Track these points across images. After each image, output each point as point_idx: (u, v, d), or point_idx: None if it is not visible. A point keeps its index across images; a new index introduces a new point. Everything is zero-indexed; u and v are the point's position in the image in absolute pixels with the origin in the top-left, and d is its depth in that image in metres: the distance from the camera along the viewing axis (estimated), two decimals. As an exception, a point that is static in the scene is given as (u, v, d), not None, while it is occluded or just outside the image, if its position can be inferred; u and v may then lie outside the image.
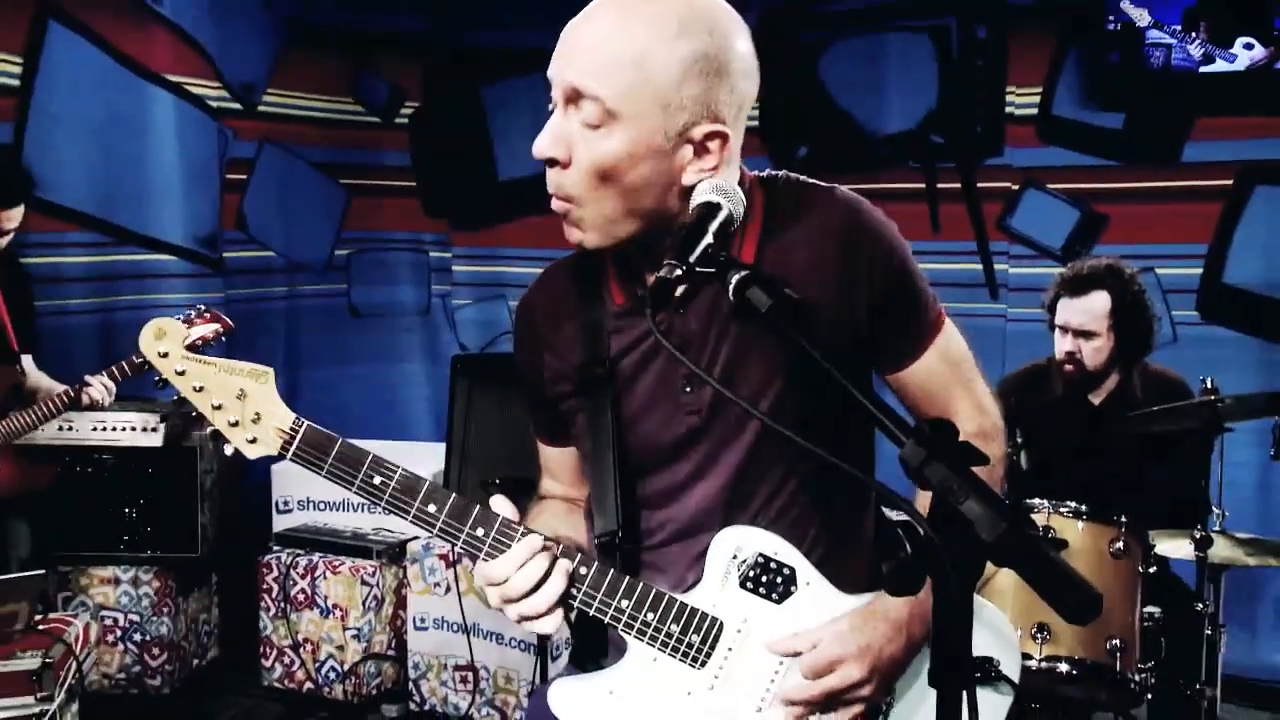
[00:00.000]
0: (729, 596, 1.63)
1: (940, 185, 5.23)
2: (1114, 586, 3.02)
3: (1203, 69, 4.65)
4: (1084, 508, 3.11)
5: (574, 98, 1.51)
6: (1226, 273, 4.79)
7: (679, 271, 1.42)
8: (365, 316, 6.13)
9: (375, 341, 6.11)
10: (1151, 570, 3.14)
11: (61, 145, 4.60)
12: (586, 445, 1.72)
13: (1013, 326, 5.03)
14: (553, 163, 1.55)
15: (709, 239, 1.44)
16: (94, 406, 3.76)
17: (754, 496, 1.66)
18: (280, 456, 1.60)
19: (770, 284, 1.40)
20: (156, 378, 1.62)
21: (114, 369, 3.75)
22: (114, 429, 4.30)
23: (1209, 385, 3.33)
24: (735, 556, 1.63)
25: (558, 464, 1.88)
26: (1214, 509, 3.39)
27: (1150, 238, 4.84)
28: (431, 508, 1.61)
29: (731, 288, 1.41)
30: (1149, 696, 3.14)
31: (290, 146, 5.69)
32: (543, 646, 3.66)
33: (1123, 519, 3.09)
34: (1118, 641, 2.99)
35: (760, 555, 1.63)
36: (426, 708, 4.32)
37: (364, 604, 4.36)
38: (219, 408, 1.59)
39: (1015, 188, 5.12)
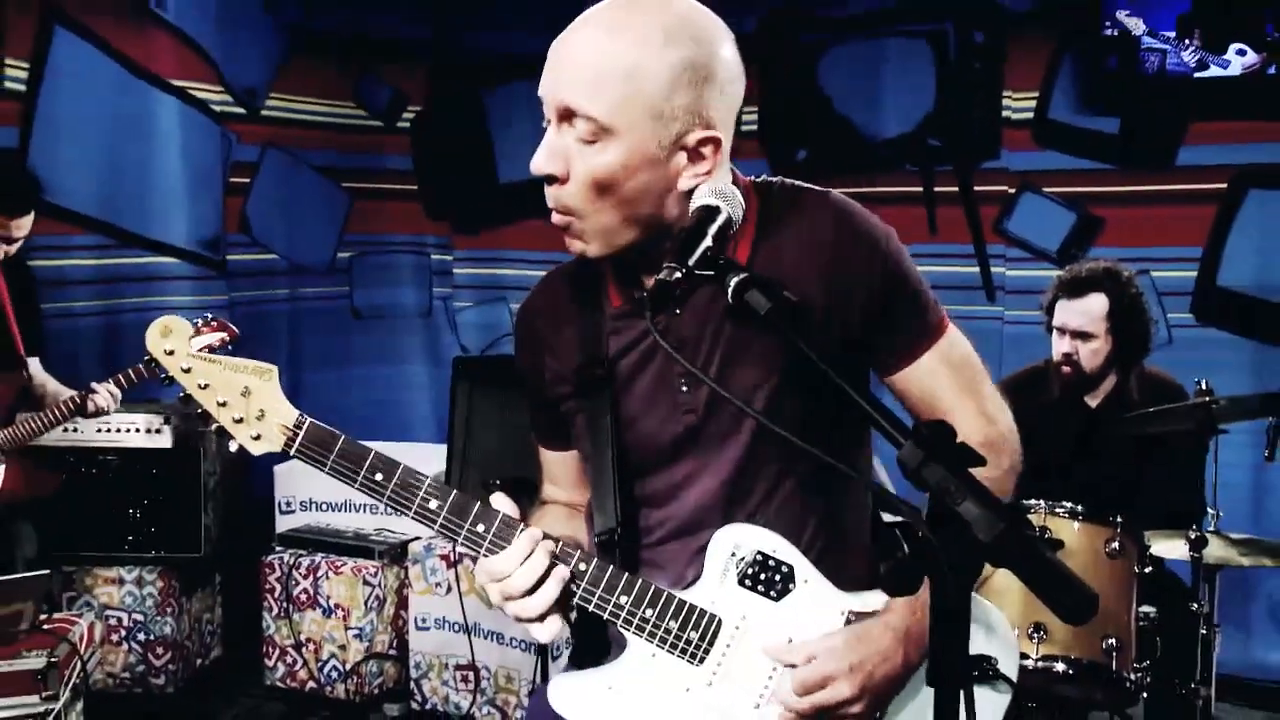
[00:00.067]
0: (727, 593, 1.64)
1: (938, 188, 5.23)
2: (1110, 586, 3.02)
3: (1197, 75, 4.65)
4: (1080, 508, 3.11)
5: (567, 115, 1.52)
6: (1221, 275, 4.80)
7: (679, 274, 1.43)
8: (367, 319, 6.13)
9: (377, 343, 6.11)
10: (1147, 570, 3.14)
11: (67, 149, 4.61)
12: (587, 446, 1.73)
13: (1009, 329, 5.03)
14: (551, 179, 1.56)
15: (708, 242, 1.45)
16: (99, 413, 3.77)
17: (751, 495, 1.66)
18: (284, 453, 1.61)
19: (769, 286, 1.41)
20: (164, 375, 1.63)
21: (119, 376, 3.76)
22: (118, 430, 4.31)
23: (1204, 387, 3.33)
24: (734, 554, 1.64)
25: (559, 469, 1.89)
26: (1209, 510, 3.39)
27: (1145, 241, 4.84)
28: (433, 504, 1.62)
29: (731, 290, 1.42)
30: (1144, 696, 3.14)
31: (293, 150, 5.70)
32: (543, 646, 3.67)
33: (1118, 519, 3.10)
34: (1113, 641, 2.99)
35: (759, 553, 1.64)
36: (428, 707, 4.32)
37: (366, 604, 4.36)
38: (224, 405, 1.61)
39: (1012, 191, 5.12)
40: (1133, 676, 3.03)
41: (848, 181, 5.21)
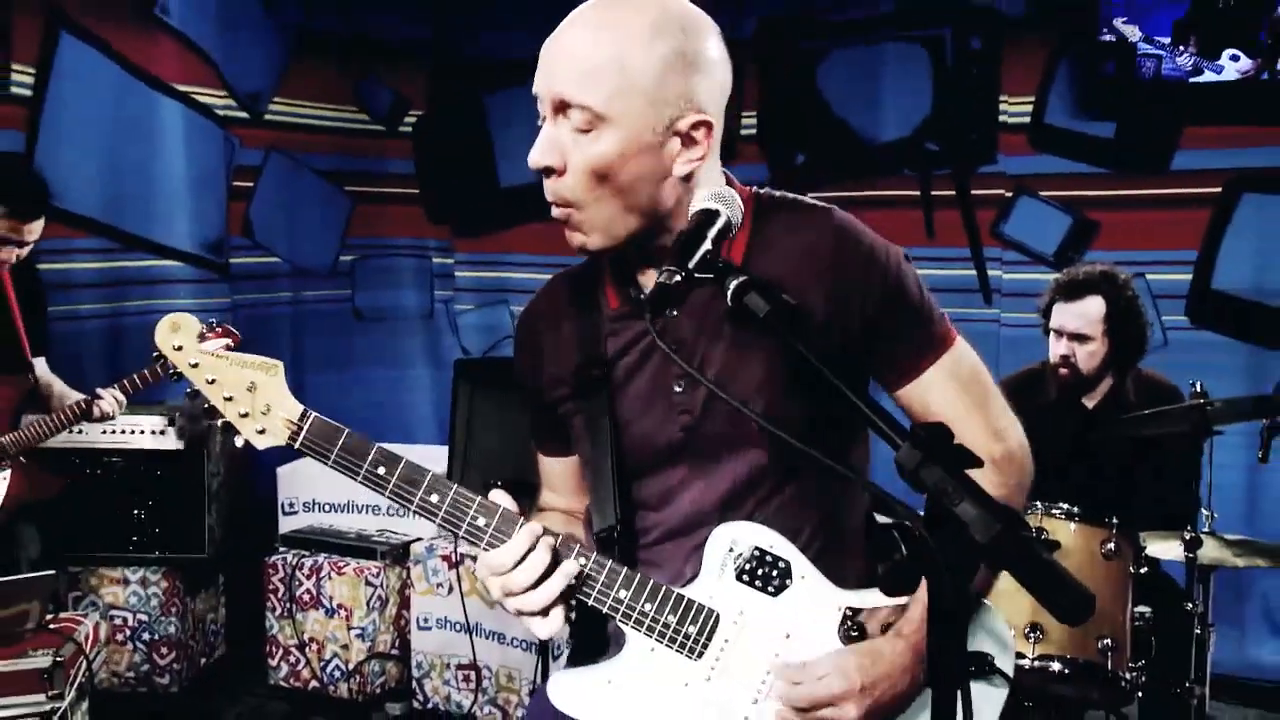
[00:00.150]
0: (725, 589, 1.64)
1: (935, 192, 5.24)
2: (1105, 587, 3.03)
3: (1191, 80, 4.66)
4: (1076, 510, 3.12)
5: (562, 107, 1.54)
6: (1215, 279, 4.80)
7: (678, 277, 1.44)
8: (369, 321, 6.13)
9: (379, 346, 6.12)
10: (1142, 571, 3.14)
11: (72, 153, 4.61)
12: (585, 447, 1.73)
13: (1006, 332, 5.04)
14: (549, 171, 1.57)
15: (707, 245, 1.46)
16: (105, 418, 3.77)
17: (748, 496, 1.66)
18: (289, 447, 1.62)
19: (767, 289, 1.42)
20: (171, 371, 1.64)
21: (124, 382, 3.77)
22: (123, 432, 4.31)
23: (1198, 389, 3.34)
24: (732, 550, 1.64)
25: (557, 475, 1.89)
26: (1203, 511, 3.39)
27: (1141, 244, 4.85)
28: (434, 498, 1.62)
29: (730, 293, 1.42)
30: (1140, 695, 3.15)
31: (295, 154, 5.70)
32: (544, 645, 3.67)
33: (1114, 521, 3.10)
34: (1109, 641, 3.00)
35: (756, 549, 1.64)
36: (430, 706, 4.32)
37: (368, 604, 4.36)
38: (230, 399, 1.62)
39: (1009, 195, 5.13)
40: (1128, 676, 3.04)
41: (846, 185, 5.25)
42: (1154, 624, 3.18)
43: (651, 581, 1.63)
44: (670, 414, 1.67)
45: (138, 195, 4.88)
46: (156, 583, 4.41)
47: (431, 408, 6.12)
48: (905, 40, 5.22)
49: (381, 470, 1.62)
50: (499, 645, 4.20)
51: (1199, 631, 3.27)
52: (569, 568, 1.60)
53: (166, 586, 4.41)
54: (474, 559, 4.21)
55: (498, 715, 4.20)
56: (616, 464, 1.68)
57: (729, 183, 1.69)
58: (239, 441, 1.64)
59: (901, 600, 1.62)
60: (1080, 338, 3.59)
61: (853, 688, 1.57)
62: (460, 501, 1.62)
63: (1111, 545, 3.07)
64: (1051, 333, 3.66)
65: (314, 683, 4.43)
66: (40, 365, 3.91)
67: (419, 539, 4.45)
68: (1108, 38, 4.74)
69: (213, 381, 1.63)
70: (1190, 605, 3.26)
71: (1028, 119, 5.07)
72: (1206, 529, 3.35)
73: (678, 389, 1.66)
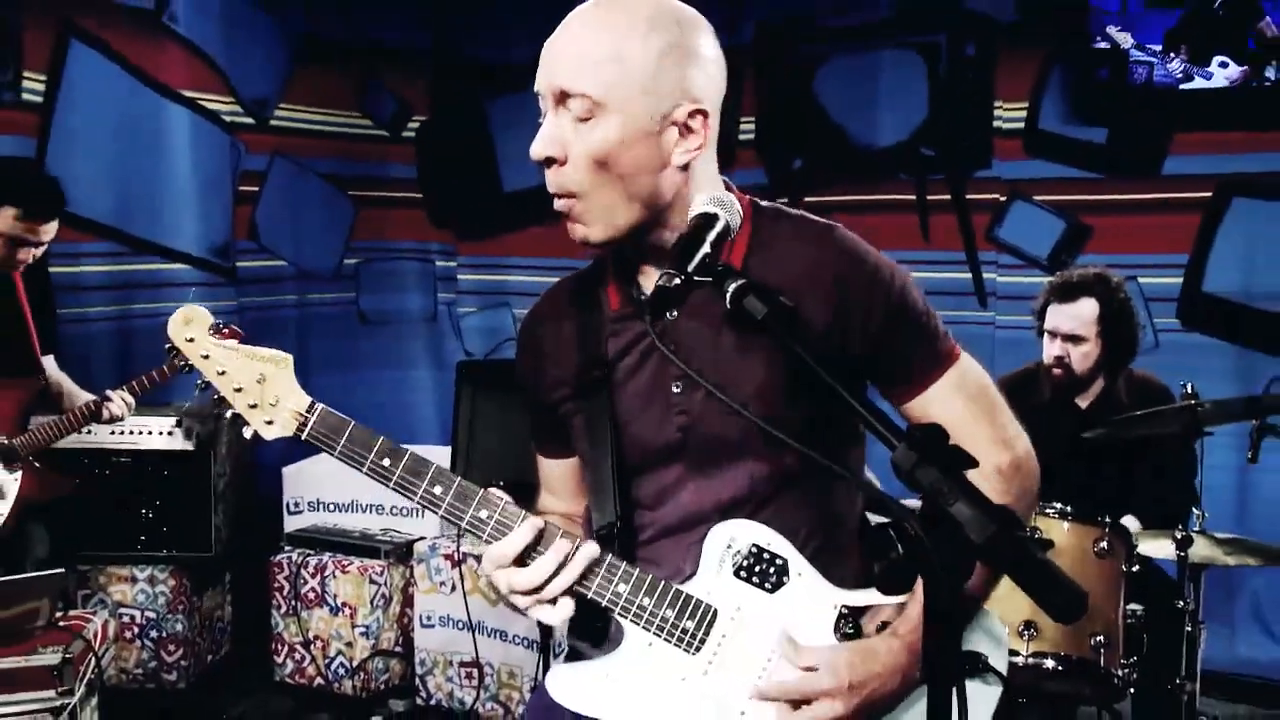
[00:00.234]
0: (723, 585, 1.64)
1: (930, 197, 5.24)
2: (1098, 585, 3.03)
3: (1182, 85, 4.67)
4: (1069, 509, 3.12)
5: (562, 98, 1.56)
6: (1206, 282, 4.81)
7: (678, 280, 1.46)
8: (373, 324, 6.13)
9: (383, 348, 6.12)
10: (1134, 569, 3.14)
11: (81, 158, 4.62)
12: (585, 446, 1.74)
13: (1001, 334, 5.04)
14: (550, 162, 1.58)
15: (706, 248, 1.47)
16: (114, 420, 3.78)
17: (746, 497, 1.66)
18: (296, 438, 1.64)
19: (765, 292, 1.42)
20: (183, 362, 1.65)
21: (133, 384, 3.77)
22: (131, 433, 4.32)
23: (1189, 390, 3.34)
24: (730, 546, 1.64)
25: (557, 478, 1.89)
26: (1194, 510, 3.40)
27: (1133, 248, 4.86)
28: (437, 489, 1.63)
29: (729, 296, 1.43)
30: (1132, 691, 3.15)
31: (300, 159, 5.70)
32: (545, 644, 3.67)
33: (1106, 519, 3.11)
34: (1102, 638, 3.00)
35: (754, 546, 1.64)
36: (433, 703, 4.32)
37: (372, 602, 4.36)
38: (239, 390, 1.64)
39: (1003, 199, 5.13)
40: (1120, 673, 3.04)
41: (843, 190, 5.26)
42: (1146, 621, 3.18)
43: (650, 576, 1.63)
44: (668, 414, 1.67)
45: (146, 199, 4.89)
46: (164, 581, 4.41)
47: (434, 409, 6.12)
48: (901, 47, 5.23)
49: (386, 462, 1.63)
50: (501, 643, 4.20)
51: (1190, 629, 3.28)
52: (590, 549, 1.61)
53: (174, 585, 4.41)
54: (477, 558, 4.22)
55: (500, 712, 4.21)
56: (616, 463, 1.68)
57: (728, 190, 1.69)
58: (247, 433, 1.65)
59: (899, 600, 1.62)
60: (1074, 339, 3.60)
61: (841, 685, 1.57)
62: (463, 494, 1.63)
63: (1104, 544, 3.07)
64: (1046, 334, 3.66)
65: (319, 679, 4.43)
66: (49, 363, 3.91)
67: (422, 538, 4.46)
68: (1102, 45, 4.75)
69: (223, 373, 1.64)
70: (1181, 603, 3.26)
71: (1022, 124, 5.07)
72: (1197, 528, 3.35)
73: (676, 389, 1.66)
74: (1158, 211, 4.86)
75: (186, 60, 5.06)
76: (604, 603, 1.63)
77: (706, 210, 1.51)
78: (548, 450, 1.89)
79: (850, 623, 1.64)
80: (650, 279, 1.67)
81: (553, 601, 1.61)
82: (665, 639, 1.63)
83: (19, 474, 3.62)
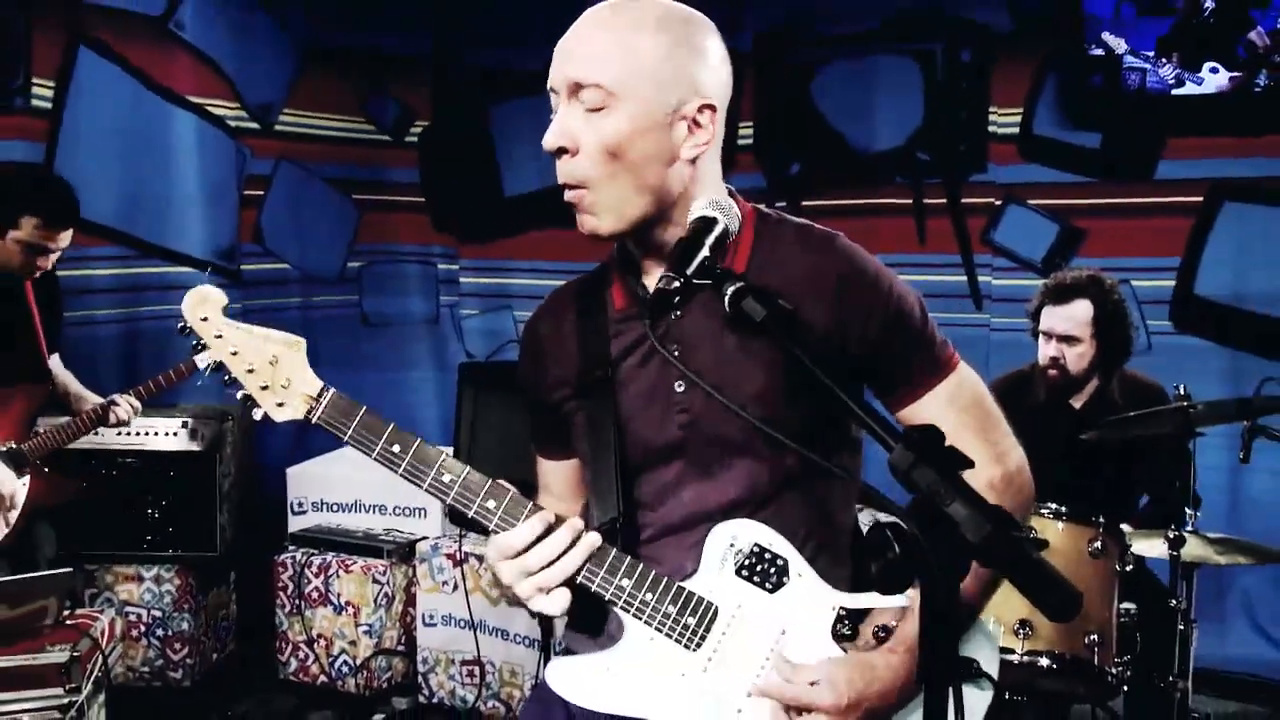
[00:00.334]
0: (725, 583, 1.64)
1: (927, 200, 5.24)
2: (1092, 585, 3.03)
3: (1174, 91, 4.68)
4: (1064, 509, 3.12)
5: (575, 91, 1.57)
6: (1198, 285, 4.82)
7: (677, 283, 1.46)
8: (376, 326, 6.13)
9: (385, 350, 6.12)
10: (1128, 569, 3.14)
11: (89, 163, 4.62)
12: (585, 444, 1.73)
13: (996, 336, 5.04)
14: (561, 153, 1.59)
15: (705, 251, 1.47)
16: (121, 424, 3.78)
17: (746, 498, 1.66)
18: (306, 421, 1.62)
19: (764, 295, 1.43)
20: (195, 342, 1.64)
21: (140, 388, 3.78)
22: (137, 434, 4.32)
23: (1182, 392, 3.34)
24: (732, 545, 1.64)
25: (556, 479, 1.89)
26: (1187, 510, 3.39)
27: (1126, 251, 4.86)
28: (446, 477, 1.62)
29: (727, 299, 1.43)
30: (1125, 689, 3.15)
31: (305, 164, 5.71)
32: (546, 643, 3.67)
33: (1100, 519, 3.10)
34: (1096, 637, 3.00)
35: (756, 545, 1.64)
36: (435, 701, 4.32)
37: (375, 601, 4.36)
38: (251, 371, 1.63)
39: (998, 203, 5.14)
40: (1114, 671, 3.04)
41: (840, 194, 5.26)
42: (1139, 620, 3.18)
43: (654, 572, 1.63)
44: (670, 413, 1.67)
45: (152, 204, 4.90)
46: (170, 580, 4.41)
47: (436, 410, 6.11)
48: (898, 54, 5.23)
49: (396, 448, 1.62)
50: (502, 641, 4.20)
51: (1182, 627, 3.27)
52: (592, 539, 1.60)
53: (179, 584, 4.41)
54: (478, 558, 4.22)
55: (501, 710, 4.21)
56: (619, 460, 1.68)
57: (732, 197, 1.69)
58: (257, 414, 1.64)
59: (897, 603, 1.61)
60: (1069, 340, 3.60)
61: (839, 701, 1.56)
62: (471, 483, 1.62)
63: (1098, 544, 3.07)
64: (1041, 335, 3.67)
65: (322, 678, 4.43)
66: (54, 362, 3.91)
67: (424, 538, 4.46)
68: (1097, 52, 4.75)
69: (236, 353, 1.63)
70: (1174, 602, 3.26)
71: (1016, 129, 5.08)
72: (1190, 528, 3.35)
73: (679, 389, 1.66)
74: (1150, 215, 4.86)
75: (193, 66, 5.07)
76: (607, 596, 1.63)
77: (706, 214, 1.52)
78: (548, 451, 1.88)
79: (848, 625, 1.64)
80: (655, 278, 1.67)
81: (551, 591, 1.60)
82: (666, 635, 1.63)
83: (27, 478, 3.62)
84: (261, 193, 5.51)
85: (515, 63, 5.82)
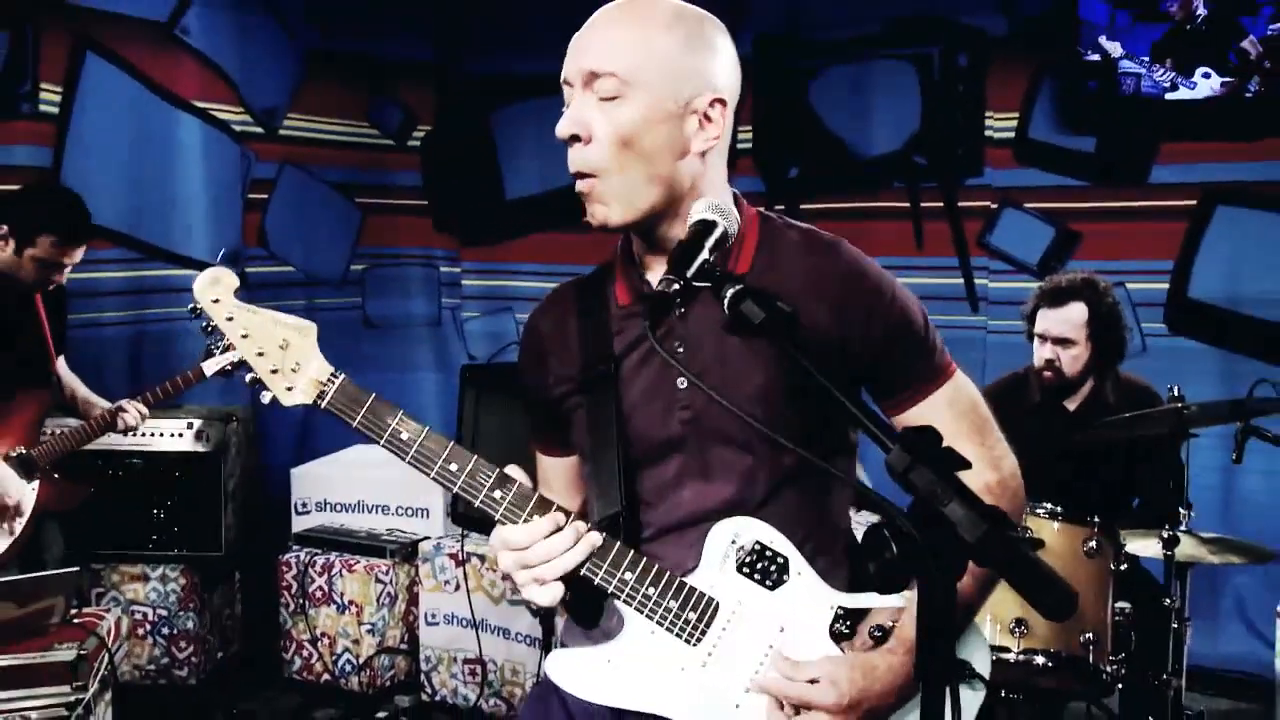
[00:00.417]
0: (726, 579, 1.64)
1: (924, 204, 5.25)
2: (1087, 584, 3.04)
3: (1168, 95, 4.69)
4: (1059, 509, 3.12)
5: (590, 80, 1.58)
6: (1191, 288, 4.82)
7: (677, 285, 1.46)
8: (379, 328, 6.14)
9: (388, 351, 6.12)
10: (1123, 568, 3.15)
11: (96, 167, 4.64)
12: (587, 440, 1.72)
13: (992, 338, 5.05)
14: (574, 141, 1.59)
15: (705, 254, 1.47)
16: (128, 430, 3.79)
17: (746, 497, 1.66)
18: (315, 406, 1.61)
19: (763, 297, 1.43)
20: (206, 324, 1.61)
21: (147, 394, 3.78)
22: (143, 435, 4.32)
23: (1176, 393, 3.35)
24: (734, 542, 1.63)
25: (555, 474, 1.87)
26: (1181, 509, 3.40)
27: (1121, 254, 4.86)
28: (453, 466, 1.61)
29: (726, 301, 1.43)
30: (1119, 686, 3.15)
31: (309, 168, 5.71)
32: (547, 642, 3.67)
33: (1095, 519, 3.11)
34: (1091, 635, 3.01)
35: (757, 543, 1.63)
36: (437, 699, 4.33)
37: (378, 600, 4.37)
38: (262, 355, 1.60)
39: (994, 207, 5.14)
40: (1109, 669, 3.05)
41: (838, 198, 5.26)
42: (1133, 619, 3.18)
43: (656, 566, 1.62)
44: (672, 409, 1.66)
45: (158, 207, 4.91)
46: (175, 579, 4.41)
47: (438, 411, 6.12)
48: (895, 59, 5.24)
49: (404, 436, 1.60)
50: (504, 640, 4.20)
51: (1176, 626, 3.28)
52: (593, 539, 1.60)
53: (185, 583, 4.42)
54: (481, 558, 4.23)
55: (502, 708, 4.21)
56: (622, 454, 1.67)
57: (736, 201, 1.70)
58: (265, 398, 1.61)
59: (894, 603, 1.62)
60: (1064, 342, 3.60)
61: (841, 700, 1.56)
62: (479, 472, 1.61)
63: (1093, 544, 3.08)
64: (1036, 338, 3.67)
65: (326, 676, 4.43)
66: (60, 364, 3.92)
67: (427, 538, 4.47)
68: (1093, 58, 4.76)
69: (246, 336, 1.60)
70: (1168, 601, 3.27)
71: (1012, 134, 5.09)
72: (1183, 527, 3.36)
73: (681, 385, 1.66)
74: (1145, 219, 4.87)
75: (198, 72, 5.08)
76: (610, 589, 1.62)
77: (705, 217, 1.52)
78: (547, 447, 1.87)
79: (846, 624, 1.64)
80: (659, 274, 1.67)
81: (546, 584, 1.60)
82: (667, 629, 1.63)
83: (36, 483, 3.62)
84: (266, 196, 5.51)
85: (516, 67, 5.83)
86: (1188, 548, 3.29)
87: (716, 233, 1.50)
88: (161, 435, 4.37)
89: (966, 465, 1.20)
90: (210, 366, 3.80)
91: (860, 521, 3.33)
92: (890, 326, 1.65)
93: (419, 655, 4.38)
